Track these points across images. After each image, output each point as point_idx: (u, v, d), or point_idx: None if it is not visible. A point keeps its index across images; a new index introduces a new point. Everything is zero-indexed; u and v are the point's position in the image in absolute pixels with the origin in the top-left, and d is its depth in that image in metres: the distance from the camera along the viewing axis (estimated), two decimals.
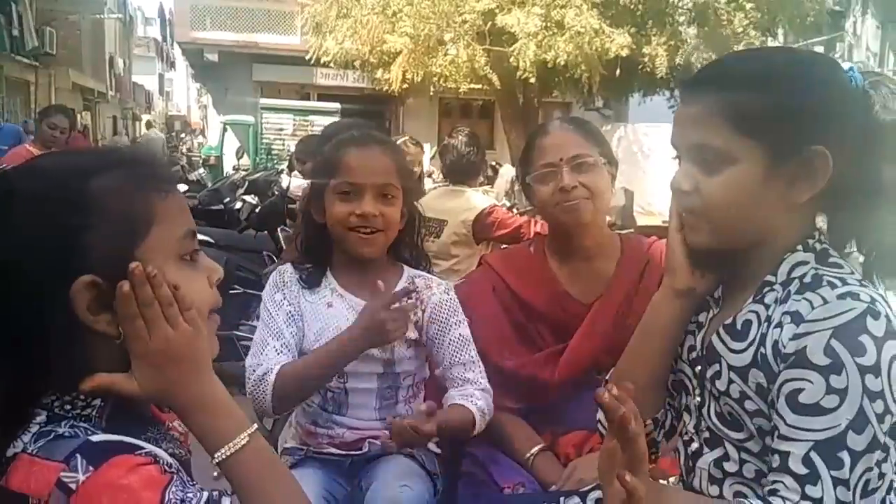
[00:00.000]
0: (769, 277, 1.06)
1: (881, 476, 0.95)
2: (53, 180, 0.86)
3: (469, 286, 1.83)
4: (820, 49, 16.27)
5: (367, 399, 1.61)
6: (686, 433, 1.17)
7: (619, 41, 9.60)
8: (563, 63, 9.74)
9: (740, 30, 10.14)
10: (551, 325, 1.73)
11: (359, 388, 1.60)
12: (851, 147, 1.01)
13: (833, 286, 0.98)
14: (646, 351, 1.21)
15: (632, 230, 3.95)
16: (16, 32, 16.34)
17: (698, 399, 1.14)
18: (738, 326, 1.07)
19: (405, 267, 1.69)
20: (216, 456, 0.86)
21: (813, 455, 0.93)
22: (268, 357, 1.53)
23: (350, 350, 1.51)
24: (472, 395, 1.59)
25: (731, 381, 1.05)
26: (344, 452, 1.61)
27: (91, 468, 0.78)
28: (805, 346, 0.95)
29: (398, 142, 4.86)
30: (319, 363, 1.53)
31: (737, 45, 10.19)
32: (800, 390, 0.94)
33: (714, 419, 1.09)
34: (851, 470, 0.93)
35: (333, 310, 1.60)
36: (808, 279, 1.02)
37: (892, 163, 1.03)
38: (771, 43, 11.49)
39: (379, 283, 1.51)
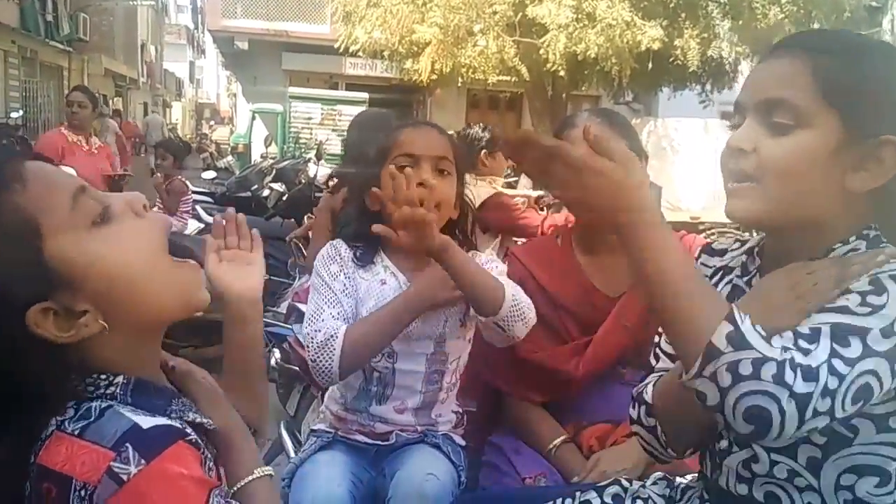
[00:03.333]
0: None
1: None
2: None
3: None
4: None
5: (413, 381, 1.62)
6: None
7: (650, 34, 9.51)
8: (593, 56, 9.66)
9: (775, 24, 9.99)
10: (577, 319, 1.73)
11: (407, 369, 1.61)
12: None
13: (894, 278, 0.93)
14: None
15: None
16: (50, 18, 16.57)
17: None
18: None
19: None
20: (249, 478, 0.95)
21: (823, 326, 0.89)
22: (327, 323, 1.53)
23: (414, 305, 1.54)
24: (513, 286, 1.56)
25: None
26: (371, 441, 1.63)
27: (143, 462, 0.76)
28: (849, 287, 0.93)
29: None
30: (388, 316, 1.54)
31: (771, 39, 10.04)
32: (834, 305, 0.92)
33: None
34: (860, 358, 0.87)
35: (387, 287, 1.62)
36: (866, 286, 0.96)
37: None
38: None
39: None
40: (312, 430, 1.71)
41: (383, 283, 1.62)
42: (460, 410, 1.73)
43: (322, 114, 14.00)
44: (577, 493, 1.33)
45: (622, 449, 1.60)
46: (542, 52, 9.95)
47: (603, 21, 9.44)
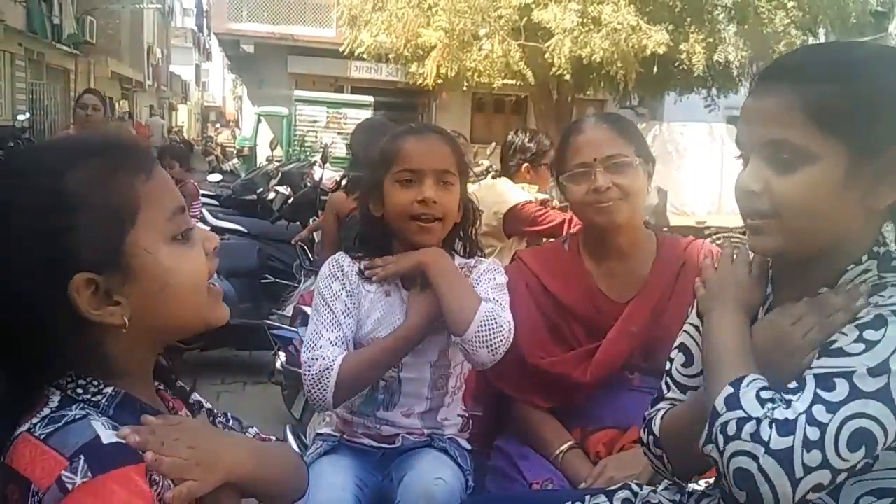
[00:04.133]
0: (823, 290, 1.01)
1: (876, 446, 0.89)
2: (26, 184, 0.84)
3: None
4: None
5: (420, 388, 1.63)
6: None
7: (656, 38, 9.52)
8: (598, 60, 9.68)
9: (781, 28, 9.99)
10: (585, 324, 1.72)
11: (412, 377, 1.62)
12: None
13: None
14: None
15: (665, 229, 3.90)
16: (56, 21, 16.63)
17: None
18: None
19: (456, 255, 1.70)
20: None
21: (808, 376, 0.90)
22: (324, 351, 1.54)
23: (415, 336, 1.55)
24: (492, 307, 1.55)
25: None
26: (377, 444, 1.62)
27: (90, 475, 0.77)
28: (858, 317, 0.92)
29: None
30: (385, 352, 1.55)
31: (777, 44, 10.05)
32: (832, 342, 0.91)
33: None
34: (845, 401, 0.86)
35: (392, 299, 1.62)
36: (868, 287, 0.97)
37: None
38: (812, 43, 11.28)
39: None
40: (318, 434, 1.71)
41: (387, 294, 1.63)
42: (466, 414, 1.73)
43: (327, 117, 14.03)
44: (587, 497, 1.33)
45: (630, 455, 1.59)
46: (547, 56, 9.97)
47: (608, 25, 9.46)
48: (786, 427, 0.84)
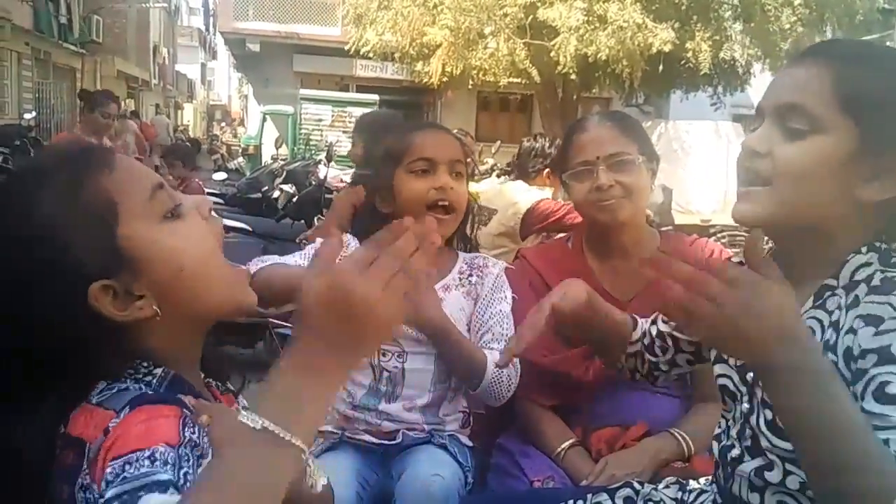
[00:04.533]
0: (829, 281, 1.00)
1: None
2: (7, 222, 0.85)
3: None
4: None
5: (423, 380, 1.63)
6: (727, 438, 1.14)
7: (662, 36, 9.50)
8: (604, 58, 9.67)
9: (787, 26, 9.96)
10: None
11: (417, 368, 1.62)
12: None
13: None
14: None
15: (670, 228, 3.89)
16: (63, 20, 16.70)
17: (746, 406, 1.10)
18: None
19: (459, 252, 1.73)
20: (249, 419, 0.69)
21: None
22: (264, 262, 1.53)
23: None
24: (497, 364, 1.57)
25: None
26: (378, 441, 1.63)
27: (128, 410, 0.80)
28: (890, 345, 0.89)
29: None
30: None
31: (783, 41, 10.03)
32: (886, 383, 0.88)
33: (763, 428, 1.05)
34: None
35: None
36: (876, 282, 0.96)
37: None
38: (819, 41, 11.22)
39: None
40: (319, 431, 1.71)
41: None
42: (467, 410, 1.73)
43: (332, 116, 14.05)
44: (589, 496, 1.33)
45: (631, 453, 1.59)
46: (552, 54, 9.96)
47: (614, 23, 9.44)
48: None
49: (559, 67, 10.05)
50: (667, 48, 9.57)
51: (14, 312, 0.83)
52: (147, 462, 0.76)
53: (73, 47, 17.87)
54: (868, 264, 0.99)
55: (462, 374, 1.61)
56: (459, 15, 10.07)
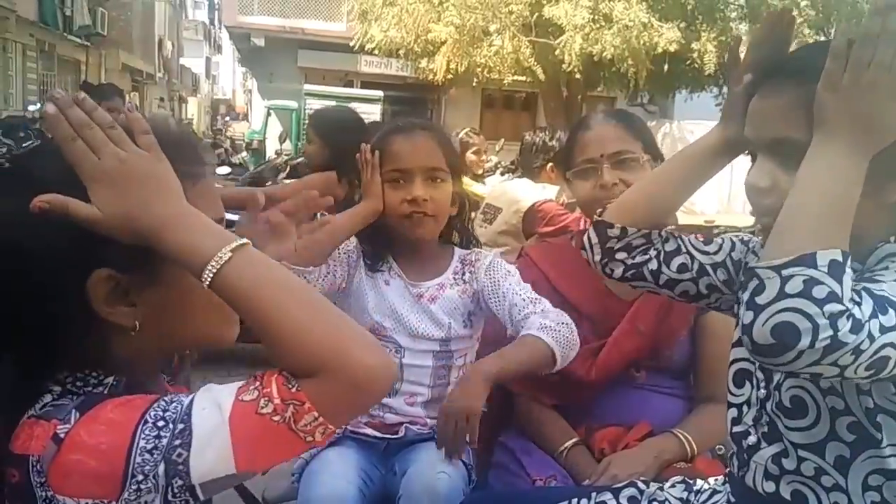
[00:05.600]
0: (854, 265, 0.97)
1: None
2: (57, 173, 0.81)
3: None
4: None
5: (421, 376, 1.64)
6: (742, 425, 1.13)
7: (667, 36, 9.49)
8: (609, 57, 9.66)
9: None
10: (591, 322, 1.71)
11: (414, 364, 1.63)
12: None
13: None
14: (680, 165, 1.29)
15: (673, 228, 3.87)
16: (68, 12, 16.69)
17: (763, 392, 1.10)
18: None
19: (455, 248, 1.73)
20: (204, 278, 0.77)
21: (863, 291, 0.88)
22: None
23: (347, 223, 1.61)
24: (546, 326, 1.54)
25: None
26: (381, 435, 1.63)
27: (80, 415, 0.77)
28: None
29: (460, 134, 4.78)
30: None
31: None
32: (876, 277, 0.92)
33: (776, 409, 1.05)
34: (892, 329, 0.86)
35: (390, 288, 1.66)
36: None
37: None
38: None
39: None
40: None
41: (387, 283, 1.67)
42: None
43: None
44: (593, 494, 1.32)
45: (634, 453, 1.58)
46: (557, 52, 9.95)
47: (620, 22, 9.43)
48: (857, 327, 0.84)
49: (564, 66, 10.04)
50: (672, 48, 9.56)
51: (12, 264, 0.80)
52: (168, 403, 0.76)
53: (77, 39, 17.86)
54: (894, 253, 0.98)
55: (540, 369, 1.54)
56: (465, 12, 10.06)
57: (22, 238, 0.79)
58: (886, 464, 0.97)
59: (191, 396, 0.77)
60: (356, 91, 15.58)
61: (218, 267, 0.77)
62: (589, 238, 1.33)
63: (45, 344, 0.82)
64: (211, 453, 0.74)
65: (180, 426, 0.75)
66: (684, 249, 1.27)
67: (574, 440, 1.65)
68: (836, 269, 0.85)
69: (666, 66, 10.17)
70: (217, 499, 1.04)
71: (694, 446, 1.59)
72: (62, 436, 0.76)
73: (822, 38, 10.65)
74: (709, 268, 1.25)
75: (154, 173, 0.80)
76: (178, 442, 0.74)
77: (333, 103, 14.19)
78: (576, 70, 10.02)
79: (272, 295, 0.78)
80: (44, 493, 0.75)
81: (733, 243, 1.27)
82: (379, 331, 1.61)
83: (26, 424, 0.79)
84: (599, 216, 1.32)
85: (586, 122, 1.79)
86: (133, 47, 22.61)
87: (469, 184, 4.57)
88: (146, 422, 0.75)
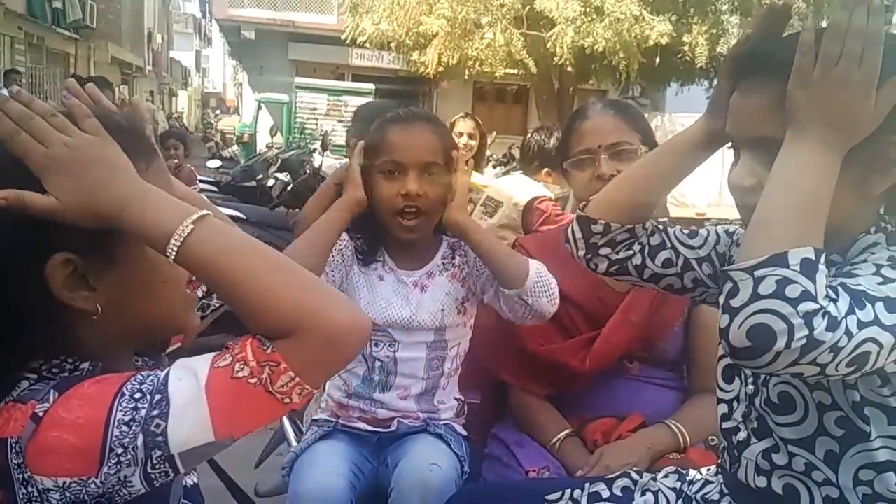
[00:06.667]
0: (835, 257, 0.99)
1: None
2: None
3: None
4: None
5: (415, 369, 1.62)
6: (731, 421, 1.14)
7: (659, 29, 9.49)
8: (601, 50, 9.65)
9: None
10: (585, 313, 1.71)
11: (408, 357, 1.61)
12: None
13: None
14: (660, 159, 1.27)
15: (665, 220, 3.87)
16: (57, 5, 16.55)
17: (751, 388, 1.10)
18: None
19: (443, 236, 1.69)
20: (169, 252, 0.77)
21: (839, 286, 0.87)
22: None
23: (334, 217, 1.57)
24: (534, 264, 1.58)
25: None
26: (373, 429, 1.62)
27: (58, 394, 0.76)
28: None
29: (453, 119, 4.75)
30: (309, 238, 1.54)
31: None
32: (853, 272, 0.91)
33: (764, 405, 1.06)
34: (870, 324, 0.84)
35: (384, 283, 1.64)
36: (882, 261, 0.95)
37: None
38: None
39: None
40: (314, 420, 1.70)
41: (381, 278, 1.64)
42: (461, 398, 1.72)
43: (328, 104, 14.00)
44: (587, 485, 1.32)
45: (627, 444, 1.58)
46: (549, 45, 9.94)
47: (611, 15, 9.42)
48: (833, 324, 0.83)
49: (556, 59, 10.03)
50: (664, 41, 9.57)
51: None
52: (144, 377, 0.76)
53: (66, 32, 17.71)
54: (876, 244, 0.98)
55: (504, 270, 1.54)
56: (456, 5, 10.03)
57: None
58: (875, 457, 0.97)
59: (166, 369, 0.77)
60: (347, 84, 15.55)
61: (181, 239, 0.76)
62: (573, 233, 1.33)
63: (9, 334, 0.81)
64: (188, 422, 0.73)
65: (157, 397, 0.74)
66: (669, 244, 1.27)
67: (567, 431, 1.65)
68: (808, 268, 0.84)
69: (657, 59, 10.17)
70: (208, 496, 1.03)
71: (687, 437, 1.59)
72: (41, 414, 0.75)
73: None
74: (694, 262, 1.25)
75: (104, 155, 0.80)
76: (155, 412, 0.74)
77: (325, 96, 14.27)
78: (567, 63, 10.01)
79: (239, 262, 0.77)
80: (21, 476, 0.74)
81: (718, 236, 1.26)
82: (373, 327, 1.59)
83: (4, 409, 0.78)
84: (582, 210, 1.32)
85: (584, 112, 1.77)
86: (122, 40, 22.45)
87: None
88: (123, 395, 0.75)
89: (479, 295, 1.67)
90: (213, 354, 0.77)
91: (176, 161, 5.35)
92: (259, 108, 14.75)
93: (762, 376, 1.07)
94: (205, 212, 0.79)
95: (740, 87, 1.03)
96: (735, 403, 1.13)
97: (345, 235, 1.66)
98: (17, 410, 0.77)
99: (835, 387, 0.98)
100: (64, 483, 0.74)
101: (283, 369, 0.75)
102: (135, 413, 0.74)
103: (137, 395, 0.75)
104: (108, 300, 0.84)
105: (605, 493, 1.29)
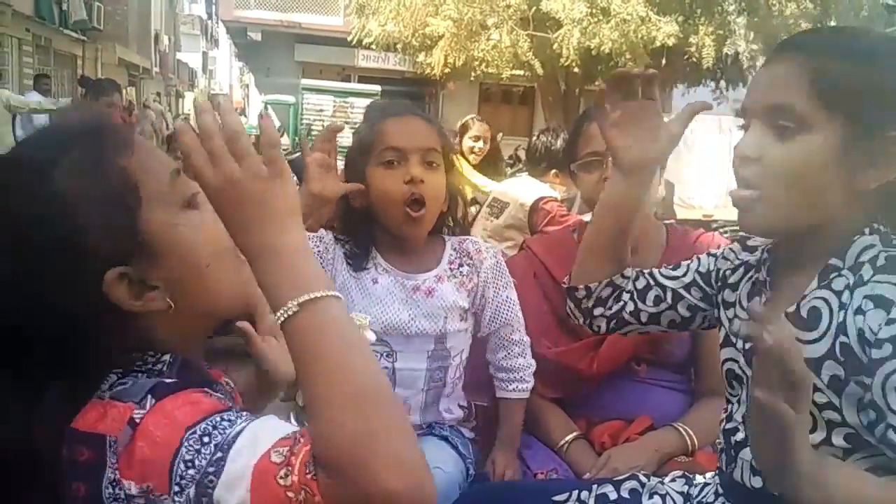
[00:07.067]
0: (835, 261, 1.00)
1: None
2: (16, 198, 0.79)
3: (510, 269, 1.81)
4: None
5: (415, 380, 1.56)
6: (731, 421, 1.13)
7: (665, 30, 9.47)
8: (607, 51, 9.63)
9: (791, 21, 9.91)
10: None
11: (407, 368, 1.55)
12: None
13: None
14: (601, 223, 1.31)
15: (672, 222, 3.87)
16: (64, 6, 16.61)
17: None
18: (804, 314, 1.00)
19: (446, 238, 1.63)
20: (277, 319, 0.75)
21: None
22: None
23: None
24: (521, 378, 1.63)
25: None
26: None
27: (155, 401, 0.77)
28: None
29: (465, 120, 4.74)
30: None
31: (787, 35, 9.97)
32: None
33: None
34: None
35: (379, 286, 1.56)
36: (881, 262, 0.96)
37: None
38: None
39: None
40: None
41: (375, 281, 1.56)
42: (467, 404, 1.70)
43: (334, 106, 13.99)
44: (594, 487, 1.32)
45: (634, 446, 1.58)
46: (555, 46, 9.93)
47: (617, 16, 9.41)
48: None
49: (562, 60, 10.02)
50: (670, 42, 9.54)
51: (22, 297, 0.79)
52: (221, 420, 0.75)
53: (73, 34, 17.77)
54: (872, 246, 0.98)
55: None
56: (462, 6, 10.03)
57: (24, 270, 0.79)
58: (877, 461, 0.95)
59: (243, 425, 0.76)
60: (354, 86, 15.54)
61: (284, 318, 0.74)
62: (569, 306, 1.37)
63: (89, 357, 0.82)
64: (233, 496, 0.73)
65: (218, 454, 0.73)
66: (654, 282, 1.30)
67: (575, 434, 1.65)
68: None
69: (664, 60, 10.15)
70: None
71: (695, 440, 1.59)
72: (137, 421, 0.76)
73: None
74: (682, 290, 1.27)
75: (262, 194, 0.76)
76: (211, 469, 0.73)
77: (331, 98, 14.27)
78: (574, 64, 9.99)
79: (321, 369, 0.73)
80: (113, 475, 0.75)
81: (699, 260, 1.29)
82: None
83: (97, 405, 0.79)
84: (566, 284, 1.36)
85: (591, 114, 1.77)
86: (129, 42, 22.51)
87: (472, 175, 4.58)
88: (195, 432, 0.74)
89: (477, 323, 1.64)
90: (282, 434, 0.74)
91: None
92: (265, 109, 14.77)
93: None
94: (319, 294, 0.75)
95: (767, 61, 1.05)
96: (737, 405, 1.13)
97: (328, 237, 1.59)
98: (114, 409, 0.78)
99: (847, 409, 0.95)
100: (148, 487, 0.74)
101: (316, 501, 0.70)
102: (196, 457, 0.73)
103: (205, 440, 0.74)
104: (172, 290, 0.84)
105: (613, 496, 1.29)
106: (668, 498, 1.26)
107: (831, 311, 0.98)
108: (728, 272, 1.21)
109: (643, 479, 1.31)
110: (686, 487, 1.28)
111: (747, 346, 1.11)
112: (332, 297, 0.75)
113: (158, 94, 27.86)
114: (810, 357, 0.97)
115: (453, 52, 10.62)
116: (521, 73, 11.30)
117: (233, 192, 0.75)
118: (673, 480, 1.30)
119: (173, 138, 5.86)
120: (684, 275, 1.28)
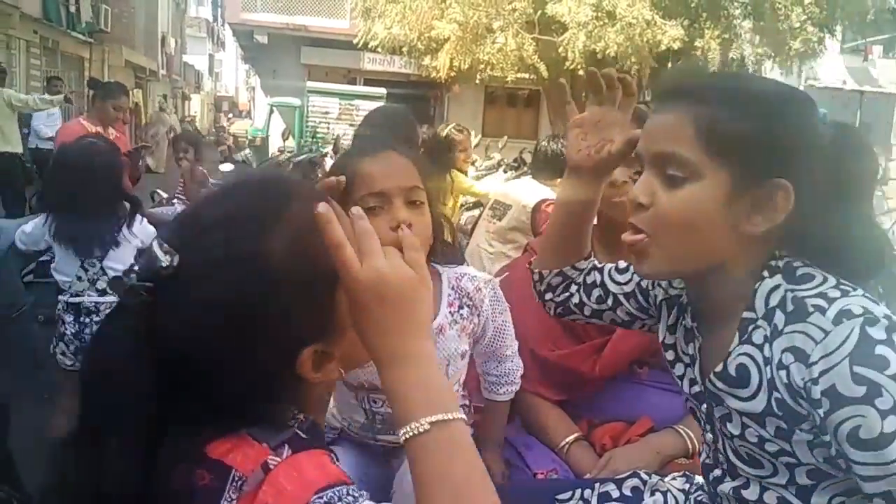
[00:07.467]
0: (748, 314, 0.99)
1: None
2: (234, 272, 0.75)
3: (515, 272, 1.82)
4: (879, 48, 15.80)
5: None
6: (708, 457, 1.14)
7: (671, 33, 9.48)
8: (612, 54, 9.65)
9: (797, 25, 9.92)
10: None
11: None
12: (815, 190, 0.96)
13: (821, 310, 0.91)
14: (555, 218, 1.33)
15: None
16: (72, 9, 16.69)
17: (710, 436, 1.10)
18: (733, 373, 1.00)
19: (440, 269, 1.55)
20: (400, 434, 0.75)
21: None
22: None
23: None
24: (511, 381, 1.64)
25: (745, 426, 1.00)
26: (380, 443, 1.61)
27: (291, 452, 0.76)
28: (833, 385, 0.88)
29: (444, 131, 4.81)
30: None
31: (793, 40, 9.99)
32: (858, 427, 0.88)
33: (731, 456, 1.05)
34: None
35: None
36: (790, 307, 0.95)
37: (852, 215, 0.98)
38: (829, 40, 11.17)
39: None
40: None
41: None
42: (468, 403, 1.71)
43: (340, 108, 14.03)
44: (597, 485, 1.33)
45: (635, 447, 1.59)
46: (561, 49, 9.95)
47: (623, 20, 9.42)
48: None
49: (567, 63, 10.03)
50: (676, 46, 9.56)
51: (216, 352, 0.76)
52: (347, 493, 0.74)
53: (81, 36, 17.84)
54: (777, 287, 0.98)
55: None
56: (468, 9, 10.06)
57: (223, 339, 0.76)
58: (847, 486, 0.95)
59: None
60: (359, 88, 15.58)
61: (410, 435, 0.73)
62: (533, 284, 1.40)
63: (257, 412, 0.80)
64: None
65: None
66: (600, 281, 1.31)
67: (576, 435, 1.66)
68: None
69: (669, 64, 10.16)
70: None
71: (696, 442, 1.59)
72: (271, 467, 0.75)
73: (826, 37, 10.62)
74: (621, 298, 1.28)
75: (409, 297, 0.76)
76: None
77: (336, 100, 14.29)
78: (579, 67, 10.01)
79: (446, 494, 0.72)
80: None
81: None
82: (370, 384, 1.49)
83: (237, 437, 0.78)
84: (529, 266, 1.39)
85: None
86: (136, 44, 22.61)
87: (469, 183, 4.62)
88: (322, 497, 0.73)
89: (474, 344, 1.62)
90: None
91: (187, 163, 5.39)
92: (271, 111, 14.81)
93: (718, 427, 1.06)
94: (451, 417, 0.74)
95: (656, 108, 1.05)
96: (707, 446, 1.14)
97: None
98: (250, 446, 0.77)
99: (801, 451, 0.96)
100: None
101: None
102: None
103: None
104: (343, 364, 0.83)
105: (615, 493, 1.30)
106: (669, 495, 1.28)
107: (759, 367, 0.97)
108: (663, 303, 1.21)
109: (644, 476, 1.32)
110: (687, 486, 1.29)
111: (693, 389, 1.11)
112: (462, 421, 0.75)
113: (165, 95, 27.96)
114: (751, 412, 0.98)
115: (459, 56, 10.65)
116: (527, 76, 11.33)
117: (379, 290, 0.74)
118: (674, 479, 1.31)
119: (177, 140, 5.88)
120: (627, 283, 1.28)
